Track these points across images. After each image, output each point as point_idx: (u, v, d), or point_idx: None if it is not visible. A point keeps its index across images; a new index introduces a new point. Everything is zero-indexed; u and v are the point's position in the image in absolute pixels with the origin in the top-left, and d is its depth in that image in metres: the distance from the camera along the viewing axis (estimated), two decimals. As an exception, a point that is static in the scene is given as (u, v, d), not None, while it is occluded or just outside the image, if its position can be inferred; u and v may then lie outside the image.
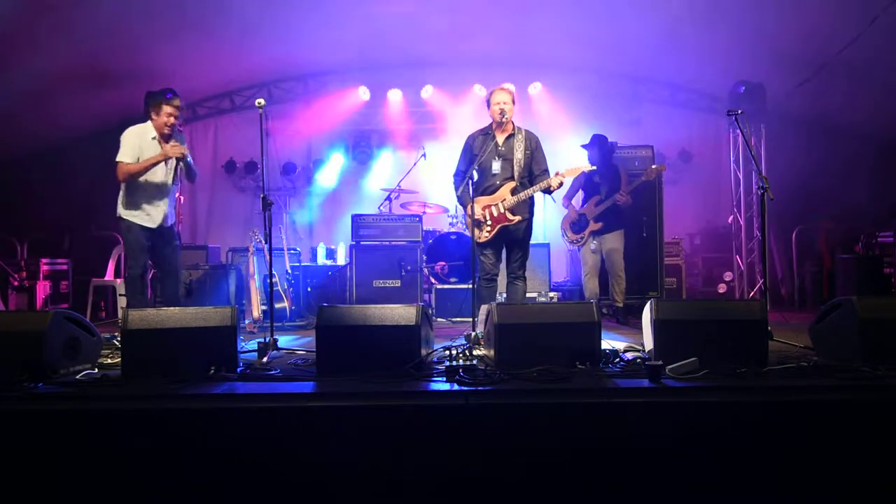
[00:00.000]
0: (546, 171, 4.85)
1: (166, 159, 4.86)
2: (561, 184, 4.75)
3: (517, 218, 4.77)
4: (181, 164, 4.95)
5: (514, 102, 4.84)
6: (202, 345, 3.38)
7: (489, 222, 4.77)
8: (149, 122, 4.91)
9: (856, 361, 3.29)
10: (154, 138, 4.88)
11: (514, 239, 4.84)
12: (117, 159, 4.81)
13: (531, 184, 4.81)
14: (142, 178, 4.83)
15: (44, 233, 8.20)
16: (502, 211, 4.75)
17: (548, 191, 4.79)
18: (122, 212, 4.88)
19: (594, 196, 6.33)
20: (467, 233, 5.72)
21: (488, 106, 4.85)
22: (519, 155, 4.78)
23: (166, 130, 4.88)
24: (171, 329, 3.41)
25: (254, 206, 9.06)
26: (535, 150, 4.86)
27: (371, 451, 2.78)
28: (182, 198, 8.75)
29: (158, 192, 4.91)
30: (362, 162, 9.20)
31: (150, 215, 4.90)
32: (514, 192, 4.77)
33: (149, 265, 5.11)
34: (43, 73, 6.84)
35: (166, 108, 4.84)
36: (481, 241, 4.80)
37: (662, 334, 3.44)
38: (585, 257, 6.37)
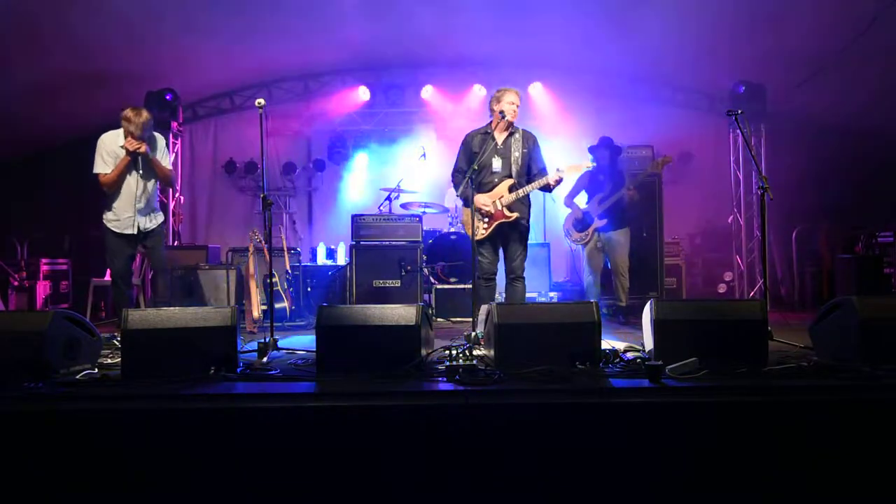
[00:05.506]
0: (543, 170, 4.85)
1: (129, 154, 4.75)
2: (559, 180, 4.73)
3: (514, 215, 4.78)
4: (141, 160, 4.82)
5: None
6: (202, 345, 3.38)
7: (486, 219, 4.78)
8: (122, 129, 4.83)
9: (856, 361, 3.28)
10: (122, 146, 4.81)
11: (511, 237, 4.84)
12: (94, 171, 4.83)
13: (529, 182, 4.81)
14: (118, 188, 4.81)
15: (44, 233, 8.20)
16: (500, 208, 4.76)
17: (547, 188, 4.80)
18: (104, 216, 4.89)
19: (598, 194, 6.31)
20: (465, 232, 5.72)
21: (495, 103, 4.77)
22: (517, 153, 4.80)
23: (134, 136, 4.77)
24: (171, 329, 3.41)
25: (254, 206, 9.07)
26: (532, 149, 4.86)
27: (371, 451, 2.78)
28: (182, 198, 8.82)
29: (130, 198, 4.86)
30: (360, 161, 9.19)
31: (122, 221, 4.88)
32: (511, 189, 4.77)
33: (129, 269, 5.09)
34: (43, 73, 6.85)
35: (124, 119, 4.76)
36: (478, 237, 4.79)
37: (662, 334, 3.44)
38: (589, 256, 6.34)
